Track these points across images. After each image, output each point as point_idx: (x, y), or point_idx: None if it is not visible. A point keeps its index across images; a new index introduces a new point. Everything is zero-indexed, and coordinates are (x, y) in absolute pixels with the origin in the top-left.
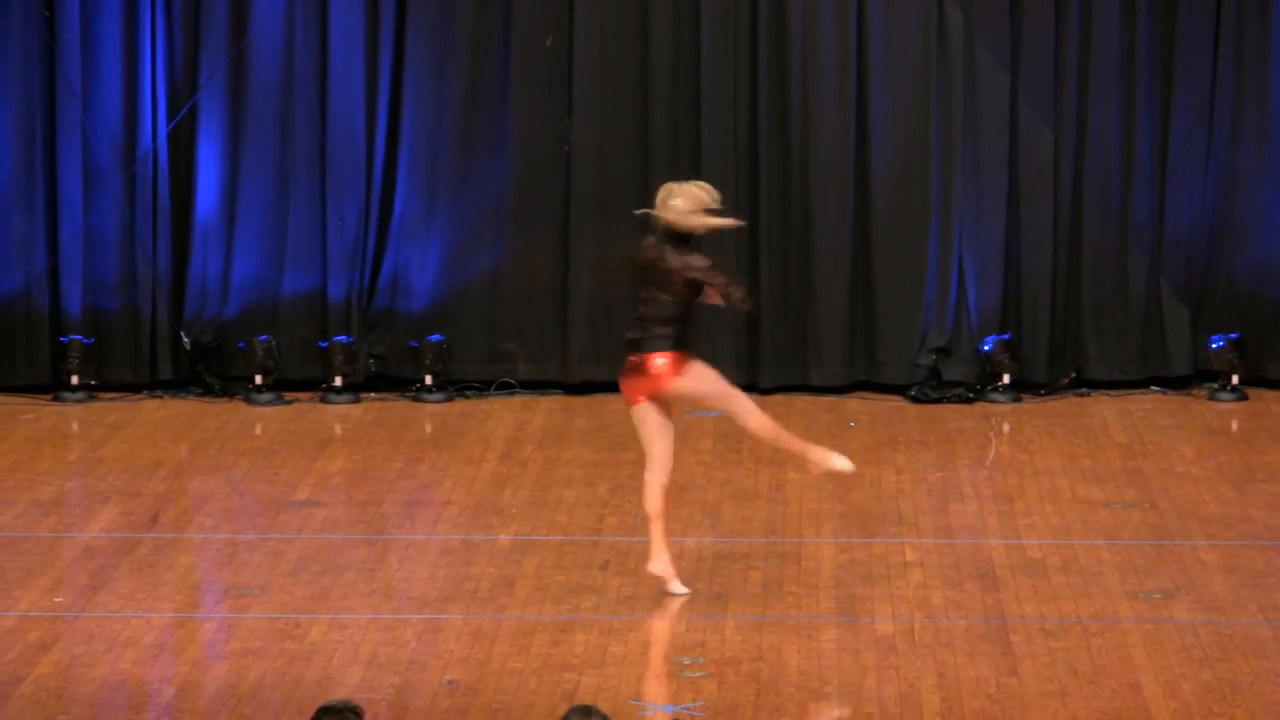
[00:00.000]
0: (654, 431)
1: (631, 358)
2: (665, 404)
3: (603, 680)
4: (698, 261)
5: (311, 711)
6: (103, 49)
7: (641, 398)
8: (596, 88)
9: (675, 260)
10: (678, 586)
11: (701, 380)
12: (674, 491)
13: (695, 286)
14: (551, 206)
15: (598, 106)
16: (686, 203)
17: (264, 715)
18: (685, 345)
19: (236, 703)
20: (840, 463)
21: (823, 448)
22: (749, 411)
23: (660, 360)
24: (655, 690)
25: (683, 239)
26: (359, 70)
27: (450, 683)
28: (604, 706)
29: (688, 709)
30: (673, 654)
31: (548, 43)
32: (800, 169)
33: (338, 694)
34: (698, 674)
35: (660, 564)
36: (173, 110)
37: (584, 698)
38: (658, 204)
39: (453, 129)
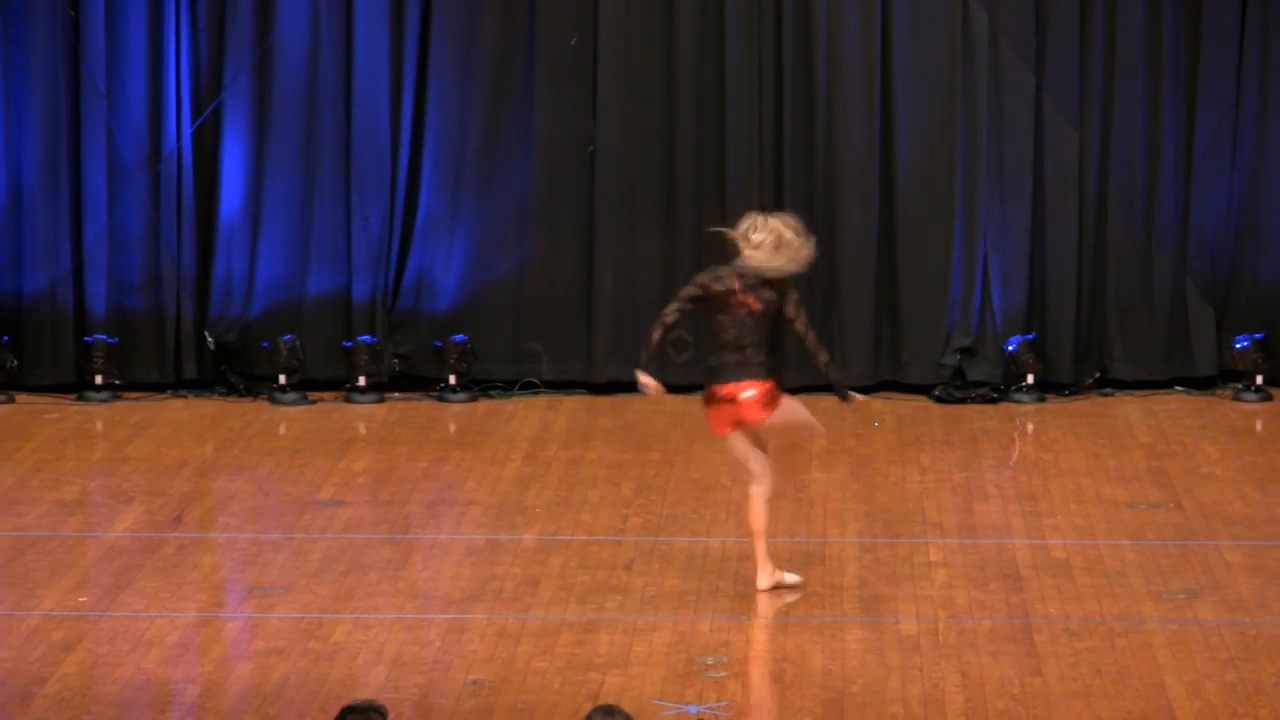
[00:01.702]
0: (747, 449)
1: (718, 387)
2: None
3: (626, 680)
4: (791, 308)
5: (336, 711)
6: (128, 48)
7: (727, 428)
8: (621, 88)
9: (763, 300)
10: (791, 576)
11: (790, 413)
12: (699, 491)
13: (779, 315)
14: (576, 207)
15: (622, 107)
16: (771, 244)
17: (288, 715)
18: (775, 375)
19: (260, 702)
20: (770, 579)
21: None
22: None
23: (750, 392)
24: (679, 690)
25: (764, 279)
26: (384, 70)
27: (474, 683)
28: (628, 706)
29: (711, 709)
30: (696, 654)
31: (572, 43)
32: (825, 169)
33: (362, 694)
34: (721, 674)
35: (767, 578)
36: (197, 110)
37: (608, 698)
38: (740, 237)
39: (477, 129)
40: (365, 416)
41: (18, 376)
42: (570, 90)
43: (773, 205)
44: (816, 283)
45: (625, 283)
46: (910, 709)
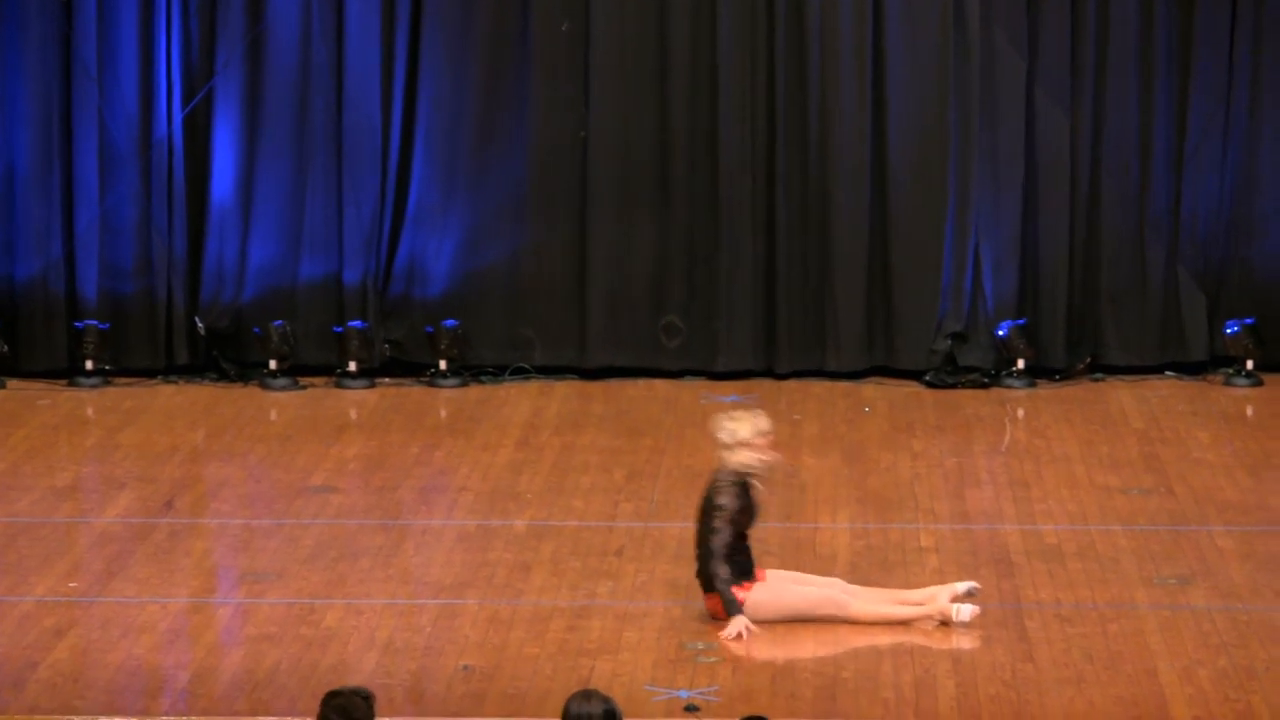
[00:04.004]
0: (794, 596)
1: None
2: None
3: (618, 666)
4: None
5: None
6: (119, 34)
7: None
8: (614, 76)
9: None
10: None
11: (778, 593)
12: (690, 477)
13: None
14: (568, 193)
15: (615, 95)
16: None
17: (280, 701)
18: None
19: (252, 688)
20: (962, 613)
21: (930, 591)
22: (845, 604)
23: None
24: (670, 676)
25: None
26: (375, 55)
27: (466, 668)
28: (619, 692)
29: (702, 694)
30: (688, 640)
31: (563, 29)
32: (818, 156)
33: (354, 679)
34: (712, 659)
35: (950, 596)
36: (189, 95)
37: (599, 683)
38: (729, 445)
39: (469, 115)
40: (357, 402)
41: (10, 362)
42: (563, 78)
43: (766, 191)
44: (809, 268)
45: (617, 269)
46: (902, 695)
